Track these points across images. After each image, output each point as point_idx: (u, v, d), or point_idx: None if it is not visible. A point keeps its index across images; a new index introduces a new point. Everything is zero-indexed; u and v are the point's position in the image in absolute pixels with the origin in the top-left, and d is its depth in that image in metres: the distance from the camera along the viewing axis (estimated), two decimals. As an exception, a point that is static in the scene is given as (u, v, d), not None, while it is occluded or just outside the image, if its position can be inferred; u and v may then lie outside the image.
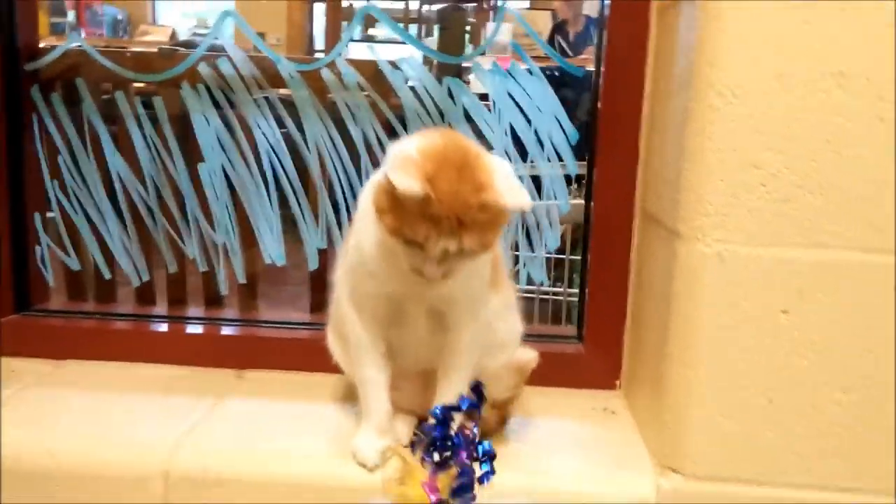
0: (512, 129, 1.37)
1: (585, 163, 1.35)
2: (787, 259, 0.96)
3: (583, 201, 1.38)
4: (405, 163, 0.85)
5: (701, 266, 0.97)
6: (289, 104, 1.41)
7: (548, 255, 1.48)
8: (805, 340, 0.97)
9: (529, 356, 1.12)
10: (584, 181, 1.37)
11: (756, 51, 0.92)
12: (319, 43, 4.61)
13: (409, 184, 0.83)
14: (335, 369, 1.14)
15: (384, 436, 1.04)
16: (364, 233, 0.97)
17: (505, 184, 0.87)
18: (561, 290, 2.41)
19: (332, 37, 1.51)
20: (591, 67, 1.36)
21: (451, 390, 1.00)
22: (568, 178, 1.39)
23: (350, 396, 1.21)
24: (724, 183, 0.95)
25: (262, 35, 1.57)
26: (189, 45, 3.34)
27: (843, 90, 0.91)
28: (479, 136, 1.38)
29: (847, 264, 0.95)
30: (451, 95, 1.37)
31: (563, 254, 2.28)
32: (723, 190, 0.95)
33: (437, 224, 0.85)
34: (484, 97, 1.40)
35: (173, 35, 6.15)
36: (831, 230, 0.94)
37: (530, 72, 1.35)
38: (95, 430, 1.12)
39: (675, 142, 1.03)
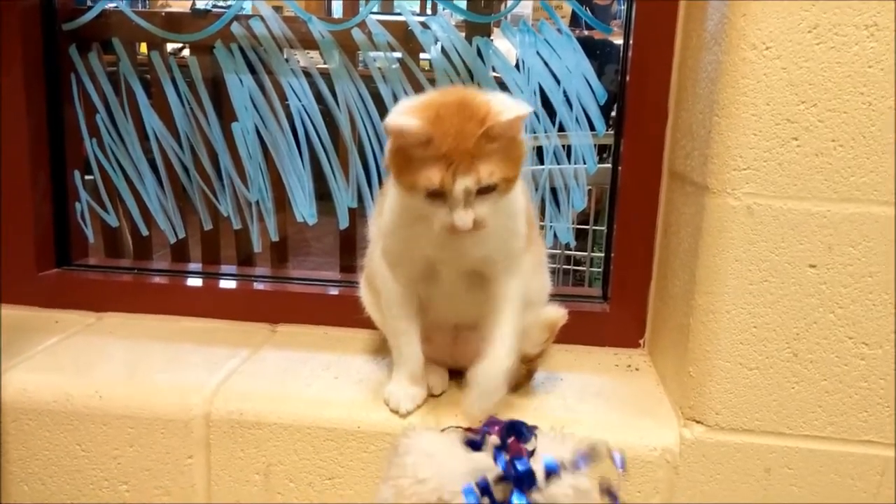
0: (541, 89, 1.38)
1: (612, 131, 1.36)
2: (816, 213, 0.96)
3: (609, 165, 1.39)
4: (402, 109, 0.88)
5: (730, 219, 0.98)
6: (320, 60, 1.43)
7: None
8: (832, 294, 0.99)
9: (559, 314, 1.13)
10: (610, 149, 1.38)
11: (789, 2, 0.92)
12: (337, 11, 4.59)
13: (408, 121, 0.85)
14: (365, 324, 1.17)
15: (416, 384, 1.07)
16: (393, 201, 0.99)
17: (501, 104, 0.88)
18: (584, 257, 2.43)
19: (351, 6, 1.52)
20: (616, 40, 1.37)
21: (501, 348, 1.00)
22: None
23: (380, 350, 1.24)
24: (757, 137, 0.96)
25: None
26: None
27: (877, 41, 0.91)
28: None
29: (877, 218, 0.95)
30: (480, 55, 1.38)
31: (587, 224, 2.30)
32: (755, 144, 0.96)
33: (450, 164, 0.85)
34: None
35: (193, 6, 6.14)
36: (862, 184, 0.95)
37: (559, 30, 1.36)
38: (139, 376, 1.17)
39: (706, 97, 1.03)
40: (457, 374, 1.12)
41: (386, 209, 1.02)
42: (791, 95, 0.95)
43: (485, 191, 0.87)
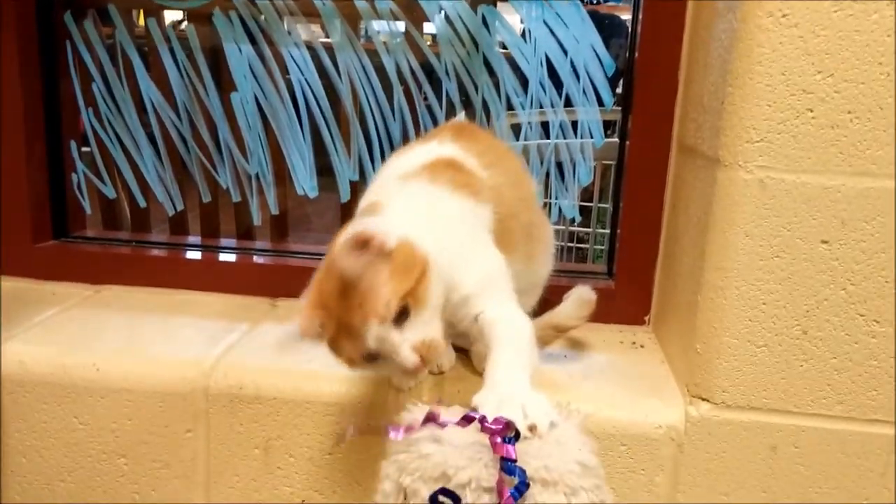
0: (547, 60, 1.35)
1: (618, 107, 1.33)
2: (830, 187, 0.94)
3: (615, 140, 1.36)
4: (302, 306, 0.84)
5: (741, 193, 0.96)
6: (322, 34, 1.40)
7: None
8: (844, 271, 0.96)
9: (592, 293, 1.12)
10: (614, 125, 1.35)
11: (808, -31, 0.89)
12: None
13: (300, 322, 0.82)
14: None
15: None
16: None
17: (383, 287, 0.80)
18: (587, 233, 2.41)
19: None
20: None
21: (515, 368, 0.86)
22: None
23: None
24: (771, 108, 0.93)
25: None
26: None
27: (898, 10, 0.88)
28: (514, 66, 1.36)
29: (893, 193, 0.93)
30: (485, 24, 1.35)
31: (590, 202, 2.28)
32: (769, 115, 0.93)
33: (339, 338, 0.82)
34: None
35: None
36: (878, 157, 0.92)
37: (567, -1, 1.32)
38: (137, 349, 1.15)
39: (719, 67, 1.00)
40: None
41: None
42: (807, 65, 0.92)
43: (400, 319, 0.81)
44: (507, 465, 0.61)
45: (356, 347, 0.81)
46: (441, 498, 0.61)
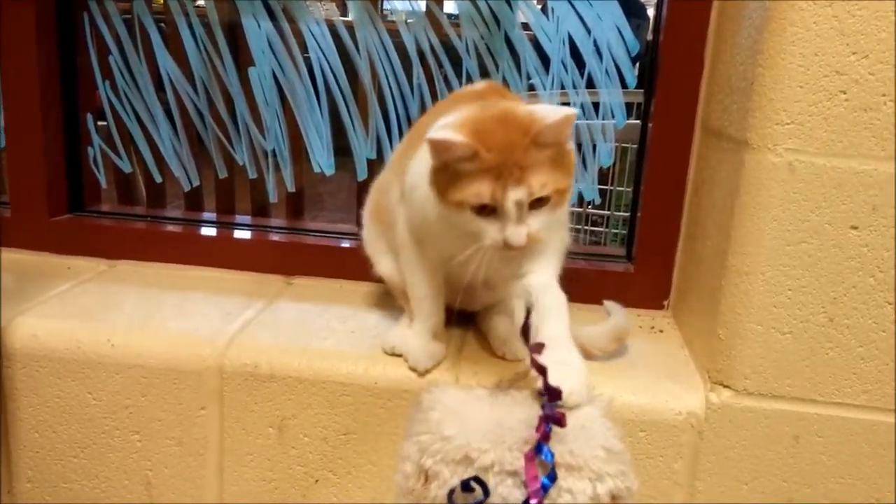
0: (570, 38, 1.32)
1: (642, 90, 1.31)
2: (862, 171, 0.91)
3: (637, 121, 1.34)
4: (443, 126, 0.84)
5: (770, 176, 0.94)
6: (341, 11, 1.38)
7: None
8: (873, 258, 0.94)
9: (626, 324, 1.13)
10: (634, 108, 1.33)
11: (847, -55, 0.86)
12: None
13: (451, 135, 0.80)
14: (380, 279, 1.14)
15: (437, 340, 1.04)
16: (424, 203, 0.92)
17: (544, 111, 0.83)
18: (604, 215, 2.38)
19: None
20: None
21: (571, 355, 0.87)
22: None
23: (393, 304, 1.20)
24: (803, 90, 0.90)
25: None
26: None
27: (939, -12, 0.85)
28: (536, 45, 1.33)
29: (926, 178, 0.91)
30: (507, 1, 1.32)
31: (606, 185, 2.25)
32: (800, 97, 0.90)
33: (498, 176, 0.80)
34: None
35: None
36: (912, 141, 0.90)
37: (592, -24, 1.29)
38: (152, 325, 1.14)
39: (748, 47, 0.98)
40: (466, 321, 1.09)
41: (418, 195, 0.94)
42: (841, 46, 0.89)
43: (537, 204, 0.83)
44: (540, 445, 0.60)
45: (497, 185, 0.80)
46: (472, 483, 0.60)
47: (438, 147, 0.81)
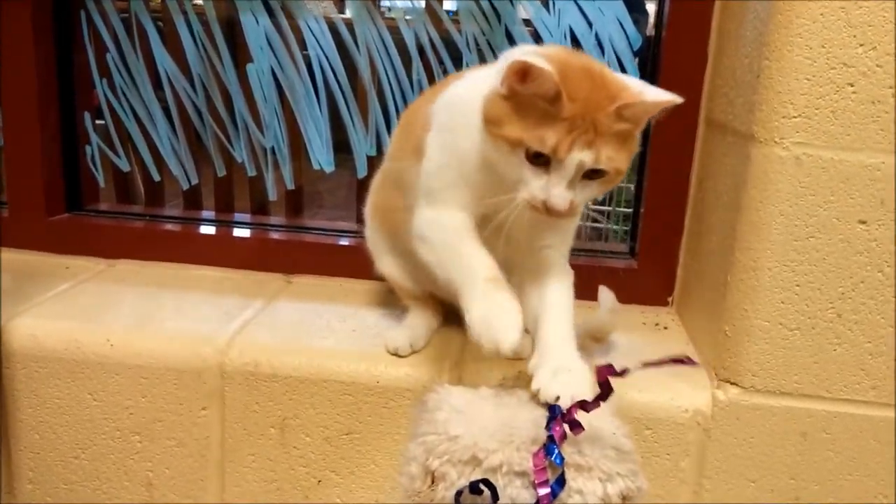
0: (571, 32, 1.31)
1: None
2: (870, 165, 0.90)
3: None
4: (532, 54, 0.73)
5: (776, 171, 0.92)
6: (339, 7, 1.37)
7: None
8: (882, 252, 0.93)
9: (612, 322, 1.11)
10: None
11: (854, -65, 0.85)
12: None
13: (543, 63, 0.70)
14: (381, 277, 1.13)
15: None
16: (449, 151, 0.86)
17: (640, 84, 0.77)
18: (606, 211, 2.37)
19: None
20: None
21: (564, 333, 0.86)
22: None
23: (395, 303, 1.19)
24: (810, 82, 0.89)
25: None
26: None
27: (948, -22, 0.84)
28: (537, 40, 1.32)
29: (935, 171, 0.89)
30: (508, -5, 1.31)
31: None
32: (807, 89, 0.89)
33: (570, 129, 0.72)
34: None
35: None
36: (921, 134, 0.89)
37: (593, -31, 1.28)
38: (151, 324, 1.13)
39: (754, 39, 0.96)
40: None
41: (437, 156, 0.89)
42: (849, 37, 0.88)
43: (593, 175, 0.76)
44: (551, 447, 0.59)
45: (565, 138, 0.72)
46: (481, 486, 0.59)
47: (522, 72, 0.72)
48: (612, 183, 0.79)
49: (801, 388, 0.98)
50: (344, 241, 1.40)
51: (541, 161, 0.74)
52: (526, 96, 0.73)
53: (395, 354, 1.05)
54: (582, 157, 0.73)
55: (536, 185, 0.75)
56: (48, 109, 1.38)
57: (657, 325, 1.23)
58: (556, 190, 0.74)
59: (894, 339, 0.95)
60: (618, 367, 0.75)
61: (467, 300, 0.80)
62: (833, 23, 0.87)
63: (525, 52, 0.74)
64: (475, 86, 0.82)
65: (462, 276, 0.83)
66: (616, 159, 0.75)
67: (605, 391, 0.70)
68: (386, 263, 1.10)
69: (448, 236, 0.87)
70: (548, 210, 0.75)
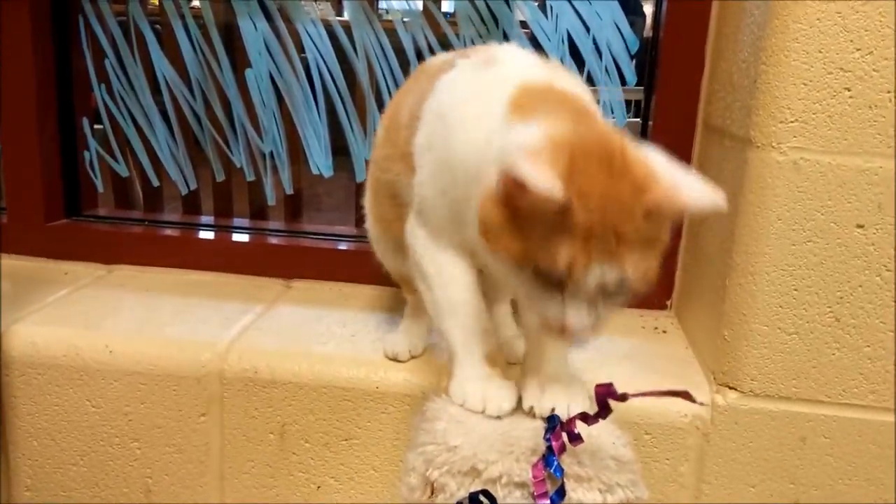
0: (569, 36, 1.31)
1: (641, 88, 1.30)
2: (867, 169, 0.90)
3: (637, 120, 1.33)
4: (530, 155, 0.58)
5: (774, 175, 0.92)
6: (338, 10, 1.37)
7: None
8: (880, 256, 0.93)
9: None
10: (631, 105, 1.32)
11: (850, -60, 0.85)
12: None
13: (541, 178, 0.55)
14: (383, 282, 1.13)
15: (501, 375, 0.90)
16: (445, 180, 0.75)
17: (673, 175, 0.61)
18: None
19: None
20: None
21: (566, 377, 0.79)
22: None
23: (398, 307, 1.19)
24: (807, 87, 0.89)
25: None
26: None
27: (945, -17, 0.84)
28: (535, 43, 1.32)
29: (933, 176, 0.89)
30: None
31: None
32: (804, 94, 0.89)
33: (587, 239, 0.58)
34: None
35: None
36: (919, 138, 0.89)
37: (591, -27, 1.28)
38: (150, 330, 1.13)
39: (751, 44, 0.96)
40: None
41: (430, 181, 0.78)
42: (845, 42, 0.88)
43: (618, 287, 0.62)
44: (550, 458, 0.59)
45: (581, 254, 0.58)
46: (481, 498, 0.58)
47: (517, 188, 0.57)
48: (644, 288, 0.64)
49: (799, 392, 0.98)
50: (343, 246, 1.40)
51: (553, 279, 0.61)
52: (525, 206, 0.59)
53: (395, 360, 1.04)
54: (603, 274, 0.60)
55: (550, 309, 0.62)
56: (46, 115, 1.38)
57: (656, 328, 1.23)
58: (574, 316, 0.61)
59: (893, 344, 0.95)
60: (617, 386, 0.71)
61: (459, 369, 0.78)
62: (830, 27, 0.88)
63: (521, 145, 0.60)
64: (473, 95, 0.73)
65: (456, 341, 0.80)
66: (645, 266, 0.61)
67: (603, 411, 0.67)
68: (389, 259, 1.05)
69: (447, 293, 0.80)
70: (567, 333, 0.63)
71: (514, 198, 0.59)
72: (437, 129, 0.76)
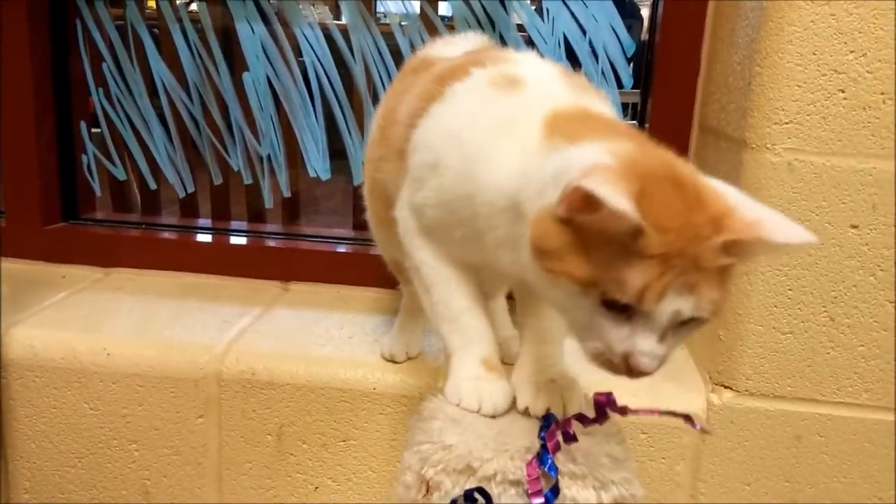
0: (565, 39, 1.32)
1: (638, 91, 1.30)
2: (861, 170, 0.91)
3: (635, 122, 1.33)
4: (599, 172, 0.53)
5: (769, 176, 0.93)
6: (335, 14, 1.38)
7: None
8: (873, 256, 0.94)
9: None
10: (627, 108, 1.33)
11: (843, -57, 0.86)
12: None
13: (614, 196, 0.51)
14: (380, 283, 1.13)
15: (496, 371, 0.82)
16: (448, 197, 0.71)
17: (753, 209, 0.58)
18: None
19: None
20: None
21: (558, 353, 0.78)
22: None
23: (392, 310, 1.20)
24: (801, 89, 0.90)
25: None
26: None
27: (936, -14, 0.85)
28: (531, 46, 1.33)
29: (926, 176, 0.90)
30: (502, 2, 1.32)
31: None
32: (799, 96, 0.90)
33: (663, 267, 0.54)
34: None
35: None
36: (911, 139, 0.89)
37: (587, -25, 1.29)
38: (148, 333, 1.13)
39: (745, 46, 0.97)
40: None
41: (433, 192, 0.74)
42: (839, 44, 0.89)
43: (691, 319, 0.57)
44: (545, 456, 0.59)
45: (657, 282, 0.54)
46: (476, 495, 0.59)
47: (586, 205, 0.53)
48: (710, 322, 0.60)
49: (794, 391, 0.99)
50: (340, 249, 1.41)
51: (618, 307, 0.56)
52: (595, 226, 0.55)
53: (391, 360, 1.05)
54: (678, 304, 0.55)
55: (616, 337, 0.57)
56: (44, 119, 1.39)
57: (652, 329, 1.23)
58: (643, 345, 0.56)
59: (888, 343, 0.96)
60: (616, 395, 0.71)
61: (456, 367, 0.76)
62: (824, 30, 0.88)
63: (588, 163, 0.55)
64: (500, 124, 0.68)
65: (454, 342, 0.78)
66: (718, 298, 0.57)
67: (600, 417, 0.67)
68: (385, 247, 1.01)
69: (445, 296, 0.78)
70: (629, 370, 0.58)
71: (580, 216, 0.55)
72: (451, 153, 0.71)
